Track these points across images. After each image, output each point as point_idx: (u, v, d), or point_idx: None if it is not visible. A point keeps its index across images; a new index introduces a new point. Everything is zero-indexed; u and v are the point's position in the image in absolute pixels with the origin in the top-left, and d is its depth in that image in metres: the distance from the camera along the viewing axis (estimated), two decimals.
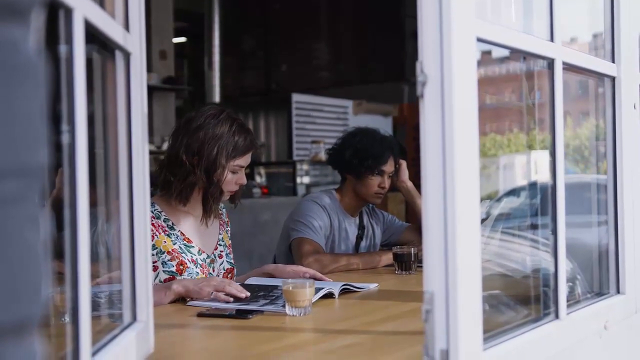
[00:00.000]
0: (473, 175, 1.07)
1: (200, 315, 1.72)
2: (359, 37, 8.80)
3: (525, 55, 1.45)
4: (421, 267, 1.62)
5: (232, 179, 2.11)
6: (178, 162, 2.06)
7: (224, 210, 2.33)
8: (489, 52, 1.29)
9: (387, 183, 2.74)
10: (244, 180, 2.15)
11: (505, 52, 1.38)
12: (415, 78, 1.05)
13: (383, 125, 7.15)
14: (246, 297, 1.84)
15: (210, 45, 7.61)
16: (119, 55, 1.17)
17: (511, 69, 1.63)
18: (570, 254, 1.44)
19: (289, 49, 9.24)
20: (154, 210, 2.09)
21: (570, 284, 1.55)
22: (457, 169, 1.02)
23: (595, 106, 1.79)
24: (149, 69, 6.86)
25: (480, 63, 1.12)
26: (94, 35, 0.99)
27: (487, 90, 1.58)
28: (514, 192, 2.83)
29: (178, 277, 2.03)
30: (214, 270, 2.17)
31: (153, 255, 2.02)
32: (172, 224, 2.11)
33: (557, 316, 1.37)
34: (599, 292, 1.68)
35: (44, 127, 0.61)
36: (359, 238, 2.84)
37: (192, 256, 2.10)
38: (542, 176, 1.51)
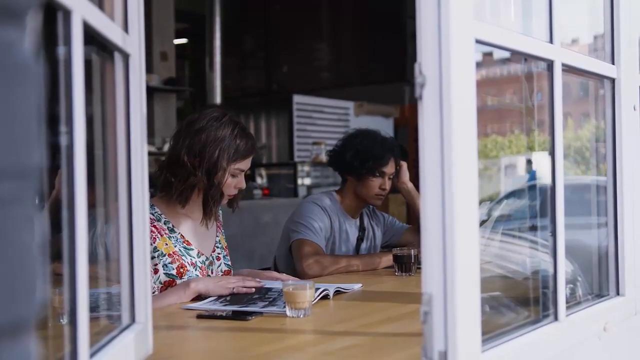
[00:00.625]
0: (472, 177, 1.06)
1: (200, 316, 1.72)
2: (360, 38, 8.80)
3: (525, 57, 1.45)
4: (421, 268, 1.62)
5: (232, 182, 2.12)
6: (179, 163, 2.07)
7: (221, 212, 2.33)
8: (490, 54, 1.29)
9: (387, 184, 2.74)
10: (244, 185, 2.16)
11: (507, 54, 1.38)
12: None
13: (384, 126, 7.16)
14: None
15: (211, 46, 7.60)
16: (117, 57, 1.17)
17: (513, 71, 1.63)
18: (570, 255, 1.44)
19: (290, 49, 9.25)
20: (155, 212, 2.09)
21: (571, 285, 1.54)
22: (455, 171, 1.02)
23: (595, 108, 1.79)
24: (150, 70, 6.87)
25: (481, 64, 1.12)
26: (92, 37, 0.99)
27: (489, 92, 1.58)
28: (514, 193, 2.82)
29: (178, 280, 2.03)
30: (212, 272, 2.18)
31: (154, 257, 2.02)
32: (173, 226, 2.11)
33: (556, 318, 1.36)
34: (599, 293, 1.68)
35: (41, 129, 0.61)
36: (360, 239, 2.83)
37: (191, 259, 2.11)
38: (543, 178, 1.51)
